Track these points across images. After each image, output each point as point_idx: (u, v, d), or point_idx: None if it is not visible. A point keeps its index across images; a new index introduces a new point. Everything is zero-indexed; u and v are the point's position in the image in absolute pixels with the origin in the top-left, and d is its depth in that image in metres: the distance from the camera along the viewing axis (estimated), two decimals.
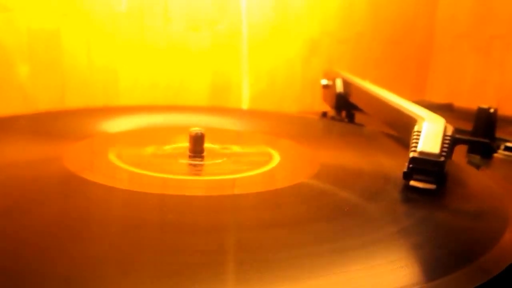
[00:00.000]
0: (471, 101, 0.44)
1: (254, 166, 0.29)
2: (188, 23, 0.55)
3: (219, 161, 0.30)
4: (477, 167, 0.35)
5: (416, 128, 0.27)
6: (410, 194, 0.25)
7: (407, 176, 0.25)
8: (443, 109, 0.57)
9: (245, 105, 0.59)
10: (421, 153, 0.25)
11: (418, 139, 0.26)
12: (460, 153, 0.37)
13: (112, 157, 0.29)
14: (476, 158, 0.37)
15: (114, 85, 0.52)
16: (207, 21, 0.56)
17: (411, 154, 0.25)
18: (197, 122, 0.34)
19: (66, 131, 0.35)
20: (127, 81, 0.52)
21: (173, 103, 0.54)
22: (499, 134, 0.42)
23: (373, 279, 0.16)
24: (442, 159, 0.24)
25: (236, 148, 0.33)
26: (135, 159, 0.29)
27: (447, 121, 0.28)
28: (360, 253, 0.18)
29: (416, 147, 0.25)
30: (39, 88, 0.48)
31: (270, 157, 0.31)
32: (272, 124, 0.43)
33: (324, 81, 0.50)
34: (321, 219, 0.21)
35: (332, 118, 0.49)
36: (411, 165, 0.25)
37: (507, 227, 0.21)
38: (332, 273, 0.16)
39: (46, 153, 0.29)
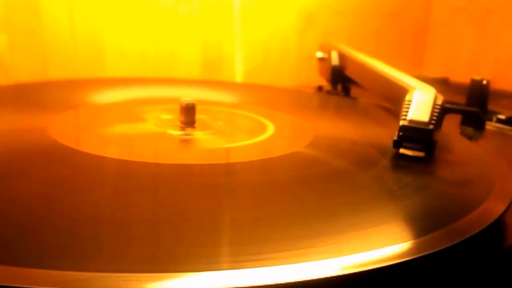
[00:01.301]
0: (467, 76, 0.44)
1: (248, 137, 0.29)
2: None
3: (211, 132, 0.30)
4: (469, 138, 0.35)
5: (407, 97, 0.27)
6: (400, 162, 0.25)
7: (397, 144, 0.25)
8: (439, 84, 0.57)
9: (239, 79, 0.58)
10: (410, 121, 0.25)
11: (408, 108, 0.26)
12: (453, 125, 0.38)
13: (100, 127, 0.30)
14: (469, 129, 0.38)
15: (99, 56, 0.50)
16: None
17: (401, 122, 0.25)
18: (189, 95, 0.34)
19: (52, 102, 0.35)
20: (113, 52, 0.51)
21: (163, 75, 0.53)
22: (493, 107, 0.42)
23: (363, 236, 0.17)
24: (431, 127, 0.25)
25: (229, 120, 0.34)
26: (123, 130, 0.29)
27: (443, 95, 0.29)
28: (351, 214, 0.19)
29: (406, 115, 0.26)
30: (19, 59, 0.46)
31: (264, 128, 0.31)
32: (267, 97, 0.44)
33: (320, 54, 0.50)
34: (314, 184, 0.22)
35: (328, 92, 0.49)
36: (400, 133, 0.25)
37: (490, 193, 0.22)
38: (325, 232, 0.17)
39: (31, 124, 0.29)
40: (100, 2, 0.49)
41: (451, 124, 0.36)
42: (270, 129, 0.31)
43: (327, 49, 0.49)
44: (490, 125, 0.40)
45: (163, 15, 0.53)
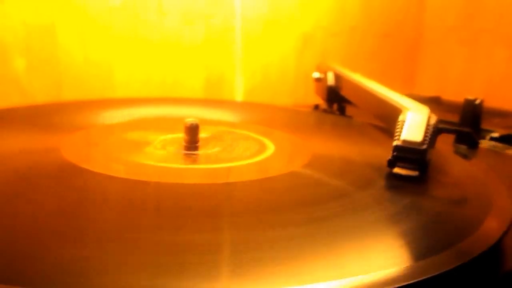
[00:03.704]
0: (459, 94, 0.45)
1: (248, 156, 0.30)
2: (182, 17, 0.55)
3: (214, 151, 0.31)
4: (463, 156, 0.36)
5: (400, 117, 0.28)
6: (395, 182, 0.26)
7: (391, 163, 0.26)
8: (431, 102, 0.58)
9: (238, 99, 0.60)
10: (404, 141, 0.26)
11: (402, 128, 0.27)
12: (447, 143, 0.39)
13: (110, 147, 0.30)
14: (463, 148, 0.39)
15: (110, 80, 0.53)
16: (201, 15, 0.56)
17: (395, 143, 0.26)
18: (192, 114, 0.35)
19: (63, 123, 0.36)
20: (122, 75, 0.53)
21: (167, 96, 0.55)
22: (485, 125, 0.43)
23: (360, 259, 0.17)
24: (424, 147, 0.25)
25: (230, 139, 0.34)
26: (132, 150, 0.30)
27: (435, 114, 0.29)
28: (348, 235, 0.19)
29: (400, 135, 0.26)
30: (36, 82, 0.49)
31: (264, 147, 0.32)
32: (266, 116, 0.44)
33: (316, 74, 0.51)
34: (312, 204, 0.23)
35: (324, 110, 0.50)
36: (394, 153, 0.26)
37: (488, 213, 0.22)
38: (323, 253, 0.17)
39: (43, 144, 0.30)
40: (110, 31, 0.52)
41: (445, 142, 0.36)
42: (270, 148, 0.32)
43: (323, 70, 0.50)
44: (484, 143, 0.41)
45: (168, 41, 0.55)
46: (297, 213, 0.21)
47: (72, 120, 0.37)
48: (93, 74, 0.52)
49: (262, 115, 0.45)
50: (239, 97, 0.60)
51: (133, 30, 0.53)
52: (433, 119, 0.28)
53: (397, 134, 0.27)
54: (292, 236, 0.19)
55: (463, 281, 0.17)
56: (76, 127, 0.34)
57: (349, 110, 0.49)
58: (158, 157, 0.29)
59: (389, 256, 0.17)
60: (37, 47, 0.48)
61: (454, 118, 0.42)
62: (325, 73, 0.49)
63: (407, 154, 0.25)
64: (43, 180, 0.24)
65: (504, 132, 0.43)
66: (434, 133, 0.27)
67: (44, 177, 0.24)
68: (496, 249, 0.20)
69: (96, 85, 0.52)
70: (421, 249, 0.18)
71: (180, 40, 0.56)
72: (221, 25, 0.58)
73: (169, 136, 0.33)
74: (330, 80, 0.48)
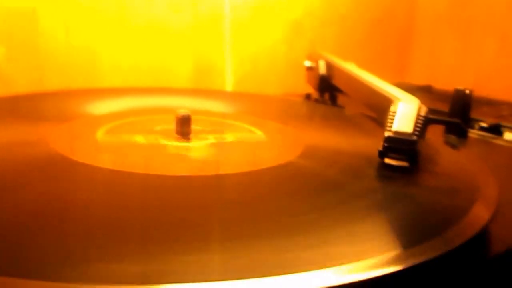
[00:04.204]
0: (450, 83, 0.45)
1: (241, 147, 0.30)
2: (169, 3, 0.54)
3: (206, 142, 0.31)
4: (453, 146, 0.36)
5: (391, 108, 0.28)
6: (386, 172, 0.26)
7: (382, 154, 0.26)
8: (423, 91, 0.58)
9: (228, 88, 0.59)
10: (395, 132, 0.26)
11: (393, 119, 0.27)
12: (438, 133, 0.39)
13: (99, 138, 0.30)
14: (452, 138, 0.39)
15: (94, 67, 0.51)
16: (189, 2, 0.55)
17: (386, 134, 0.26)
18: (183, 104, 0.35)
19: (50, 114, 0.35)
20: (107, 63, 0.52)
21: (155, 85, 0.54)
22: (475, 115, 0.44)
23: (351, 246, 0.18)
24: (415, 138, 0.26)
25: (223, 130, 0.34)
26: (121, 141, 0.30)
27: (426, 103, 0.30)
28: (340, 223, 0.19)
29: (391, 126, 0.27)
30: (16, 70, 0.47)
31: (256, 138, 0.32)
32: (257, 106, 0.44)
33: (308, 63, 0.51)
34: (304, 194, 0.23)
35: (316, 100, 0.50)
36: (385, 144, 0.26)
37: (475, 201, 0.22)
38: (313, 241, 0.18)
39: (31, 136, 0.29)
40: (95, 16, 0.51)
41: (435, 133, 0.37)
42: (263, 139, 0.32)
43: (314, 58, 0.50)
44: (473, 133, 0.42)
45: (155, 28, 0.54)
46: (289, 203, 0.22)
47: (59, 111, 0.37)
48: (77, 62, 0.50)
49: (254, 105, 0.45)
50: (228, 86, 0.59)
51: (118, 17, 0.52)
52: (423, 110, 0.28)
53: (388, 125, 0.27)
54: (283, 225, 0.19)
55: (451, 266, 0.18)
56: (64, 118, 0.34)
57: (340, 99, 0.49)
58: (148, 148, 0.29)
59: (379, 244, 0.18)
60: (17, 33, 0.47)
61: (445, 107, 0.42)
62: (316, 62, 0.49)
63: (398, 145, 0.26)
64: (33, 172, 0.24)
65: (493, 121, 0.43)
66: (424, 124, 0.27)
67: (33, 169, 0.24)
68: (482, 236, 0.20)
69: (80, 73, 0.50)
70: (410, 236, 0.19)
71: (167, 27, 0.55)
72: (209, 12, 0.57)
73: (160, 127, 0.33)
74: (322, 69, 0.48)
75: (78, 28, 0.50)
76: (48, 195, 0.21)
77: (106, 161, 0.26)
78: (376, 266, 0.16)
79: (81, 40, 0.50)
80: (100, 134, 0.31)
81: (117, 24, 0.52)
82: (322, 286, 0.15)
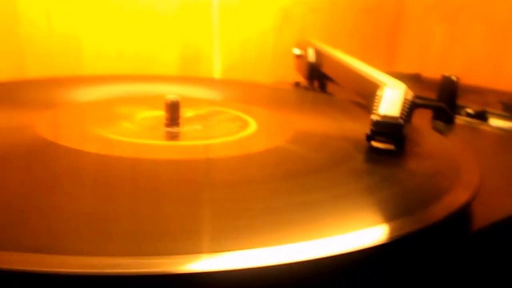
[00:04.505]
0: (438, 71, 0.46)
1: (231, 132, 0.30)
2: None
3: (196, 128, 0.31)
4: (440, 132, 0.37)
5: (378, 93, 0.29)
6: (373, 155, 0.27)
7: (370, 138, 0.27)
8: (412, 80, 0.59)
9: (217, 75, 0.59)
10: (382, 116, 0.26)
11: (380, 103, 0.27)
12: (426, 119, 0.40)
13: (88, 124, 0.30)
14: (440, 124, 0.40)
15: (77, 54, 0.50)
16: None
17: (373, 118, 0.27)
18: (171, 91, 0.35)
19: (36, 100, 0.35)
20: (91, 50, 0.51)
21: (142, 73, 0.54)
22: (462, 102, 0.44)
23: (338, 224, 0.18)
24: (401, 121, 0.26)
25: (212, 116, 0.35)
26: (110, 127, 0.30)
27: (415, 91, 0.30)
28: (328, 204, 0.20)
29: (378, 111, 0.27)
30: None
31: (246, 124, 0.32)
32: (247, 93, 0.45)
33: (297, 51, 0.51)
34: (294, 177, 0.23)
35: (305, 88, 0.50)
36: (372, 128, 0.26)
37: (457, 183, 0.23)
38: (301, 220, 0.18)
39: (17, 122, 0.29)
40: (78, 1, 0.49)
41: (424, 119, 0.37)
42: (252, 125, 0.32)
43: (303, 46, 0.50)
44: (460, 119, 0.42)
45: (141, 13, 0.53)
46: (278, 185, 0.22)
47: (45, 97, 0.36)
48: (59, 49, 0.49)
49: (243, 92, 0.45)
50: (216, 74, 0.59)
51: (102, 1, 0.50)
52: (410, 95, 0.28)
53: (375, 109, 0.27)
54: (271, 206, 0.19)
55: (432, 242, 0.19)
56: (51, 104, 0.34)
57: (329, 87, 0.49)
58: (138, 134, 0.29)
59: (365, 222, 0.19)
60: None
61: (434, 95, 0.42)
62: (305, 50, 0.49)
63: (385, 128, 0.26)
64: (20, 157, 0.24)
65: (479, 108, 0.44)
66: (410, 108, 0.28)
67: (20, 154, 0.24)
68: (463, 214, 0.21)
69: (62, 61, 0.49)
70: (394, 214, 0.19)
71: (153, 12, 0.54)
72: None
73: (149, 113, 0.33)
74: (311, 56, 0.48)
75: (60, 14, 0.48)
76: (36, 179, 0.21)
77: (93, 146, 0.26)
78: (361, 239, 0.16)
79: (63, 27, 0.49)
80: (88, 120, 0.31)
81: (101, 9, 0.51)
82: (310, 258, 0.15)
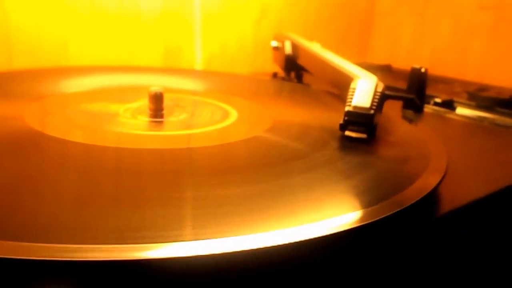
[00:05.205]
0: (408, 62, 0.48)
1: (212, 122, 0.31)
2: None
3: (179, 118, 0.32)
4: (409, 120, 0.39)
5: (351, 85, 0.30)
6: (346, 143, 0.28)
7: (343, 127, 0.28)
8: (383, 70, 0.61)
9: (198, 67, 0.60)
10: (354, 107, 0.28)
11: (353, 95, 0.29)
12: (396, 109, 0.42)
13: (74, 116, 0.31)
14: (409, 113, 0.42)
15: (64, 54, 0.51)
16: None
17: (346, 108, 0.28)
18: (154, 82, 0.36)
19: (23, 92, 0.36)
20: (77, 50, 0.52)
21: (124, 64, 0.54)
22: (430, 92, 0.47)
23: (314, 209, 0.19)
24: (372, 112, 0.28)
25: (194, 107, 0.36)
26: (95, 117, 0.31)
27: (386, 81, 0.32)
28: (304, 190, 0.21)
29: (350, 102, 0.29)
30: None
31: (227, 114, 0.34)
32: (227, 84, 0.46)
33: (274, 43, 0.52)
34: (272, 165, 0.25)
35: (282, 78, 0.52)
36: (346, 118, 0.28)
37: (426, 169, 0.25)
38: (279, 205, 0.19)
39: (5, 112, 0.30)
40: (64, 2, 0.50)
41: (394, 108, 0.39)
42: (233, 114, 0.34)
43: (281, 39, 0.52)
44: (428, 108, 0.45)
45: (124, 12, 0.54)
46: (256, 172, 0.23)
47: (32, 89, 0.37)
48: (46, 49, 0.50)
49: (224, 83, 0.46)
50: (198, 65, 0.60)
51: (88, 2, 0.52)
52: (380, 87, 0.30)
53: (348, 100, 0.29)
54: (250, 192, 0.20)
55: (404, 224, 0.20)
56: (38, 95, 0.34)
57: (306, 78, 0.51)
58: (123, 125, 0.30)
59: (340, 207, 0.20)
60: None
61: (404, 84, 0.44)
62: (282, 42, 0.51)
63: (357, 118, 0.28)
64: (10, 146, 0.24)
65: (447, 97, 0.46)
66: (381, 99, 0.30)
67: (10, 144, 0.25)
68: (431, 198, 0.22)
69: (49, 60, 0.50)
70: (367, 199, 0.21)
71: (137, 12, 0.55)
72: None
73: (133, 104, 0.34)
74: (288, 49, 0.50)
75: (47, 15, 0.49)
76: (24, 166, 0.22)
77: (79, 136, 0.27)
78: (336, 224, 0.17)
79: (50, 28, 0.49)
80: (73, 110, 0.32)
81: (86, 11, 0.52)
82: (287, 242, 0.16)
